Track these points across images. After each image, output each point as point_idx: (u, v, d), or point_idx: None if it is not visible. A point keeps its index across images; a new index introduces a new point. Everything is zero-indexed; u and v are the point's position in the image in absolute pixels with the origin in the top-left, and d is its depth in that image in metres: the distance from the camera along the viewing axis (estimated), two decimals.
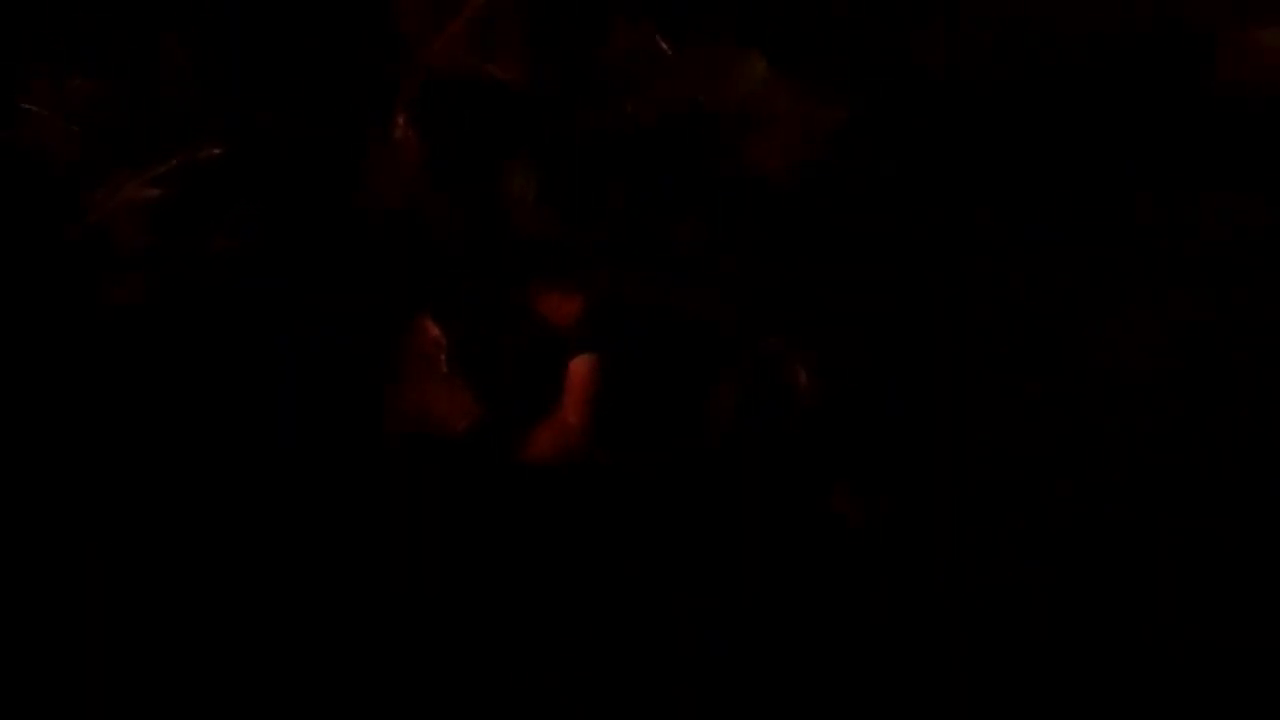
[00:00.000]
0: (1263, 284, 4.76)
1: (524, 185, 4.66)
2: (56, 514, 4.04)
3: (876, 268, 4.73)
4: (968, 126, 4.96)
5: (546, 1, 4.78)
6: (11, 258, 4.40)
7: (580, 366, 4.10)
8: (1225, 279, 4.78)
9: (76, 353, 4.28)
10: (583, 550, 4.09)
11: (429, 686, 3.87)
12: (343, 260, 4.53)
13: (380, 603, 3.94)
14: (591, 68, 4.78)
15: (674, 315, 4.25)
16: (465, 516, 4.12)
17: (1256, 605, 3.93)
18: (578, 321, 4.21)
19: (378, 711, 3.81)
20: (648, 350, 4.13)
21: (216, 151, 4.54)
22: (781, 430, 4.17)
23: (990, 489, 4.29)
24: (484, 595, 4.01)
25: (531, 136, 4.71)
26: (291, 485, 4.09)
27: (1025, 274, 4.78)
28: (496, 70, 4.72)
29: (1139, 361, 4.59)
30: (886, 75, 4.93)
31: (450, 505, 4.13)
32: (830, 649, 3.94)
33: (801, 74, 4.79)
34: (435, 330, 4.28)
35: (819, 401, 4.22)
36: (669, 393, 4.12)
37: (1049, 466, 4.35)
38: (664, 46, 4.82)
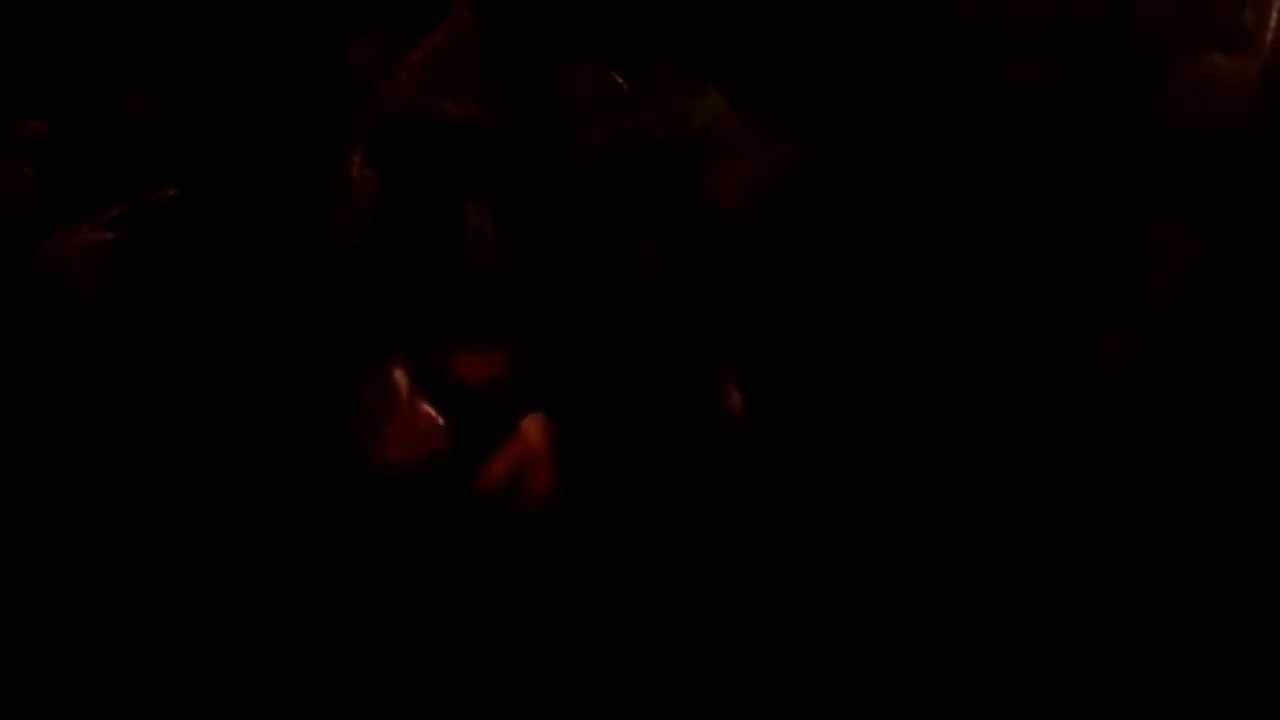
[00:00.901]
0: (1209, 305, 4.80)
1: (481, 220, 4.65)
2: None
3: (831, 296, 4.76)
4: (921, 157, 5.00)
5: (502, 37, 4.78)
6: None
7: (532, 428, 4.08)
8: (1172, 300, 4.82)
9: (29, 399, 4.24)
10: (534, 585, 4.07)
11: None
12: (300, 300, 4.51)
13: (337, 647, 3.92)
14: (547, 103, 4.79)
15: (610, 351, 4.24)
16: (425, 554, 4.09)
17: (1210, 631, 3.95)
18: (503, 380, 4.18)
19: None
20: (585, 394, 4.11)
21: (172, 193, 4.51)
22: (719, 454, 4.17)
23: (937, 510, 4.30)
24: (446, 630, 3.99)
25: (488, 172, 4.71)
26: (247, 527, 4.05)
27: (976, 299, 4.81)
28: (452, 107, 4.72)
29: (1086, 380, 4.62)
30: (841, 108, 4.97)
31: (409, 543, 4.10)
32: (782, 670, 3.94)
33: (757, 107, 4.82)
34: (399, 372, 4.26)
35: (756, 425, 4.23)
36: (609, 431, 4.10)
37: (996, 486, 4.37)
38: (619, 81, 4.83)
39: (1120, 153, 5.18)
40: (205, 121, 4.67)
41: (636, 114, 4.79)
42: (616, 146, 4.75)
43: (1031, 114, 5.20)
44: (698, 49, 4.84)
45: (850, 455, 4.33)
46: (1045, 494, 4.30)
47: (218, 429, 4.19)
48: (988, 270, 4.89)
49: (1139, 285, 4.87)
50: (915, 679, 3.84)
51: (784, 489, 4.18)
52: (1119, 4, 5.38)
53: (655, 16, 4.92)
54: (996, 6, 5.27)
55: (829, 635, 3.95)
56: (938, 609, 4.02)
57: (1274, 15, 5.29)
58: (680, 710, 3.82)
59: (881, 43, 5.13)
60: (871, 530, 4.17)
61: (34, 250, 4.42)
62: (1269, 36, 5.29)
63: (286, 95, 4.70)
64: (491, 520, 4.03)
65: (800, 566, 4.07)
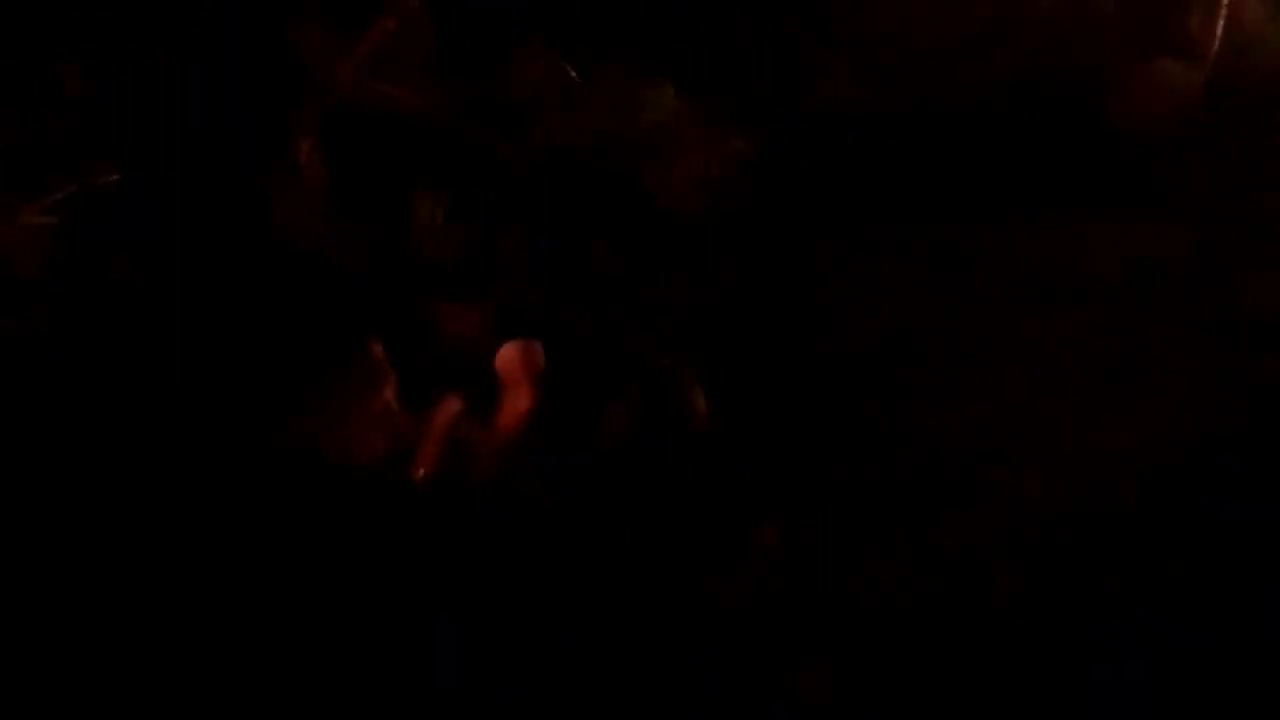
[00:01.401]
0: (1153, 311, 4.84)
1: (431, 212, 4.62)
2: None
3: (781, 295, 4.76)
4: (870, 158, 5.00)
5: (452, 28, 4.74)
6: None
7: (512, 353, 4.10)
8: (1116, 305, 4.85)
9: None
10: (486, 576, 4.04)
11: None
12: (246, 287, 4.46)
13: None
14: (499, 94, 4.76)
15: (572, 330, 4.26)
16: (389, 543, 4.04)
17: (1169, 634, 3.98)
18: (484, 331, 4.21)
19: None
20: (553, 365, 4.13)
21: (114, 177, 4.44)
22: (678, 451, 4.16)
23: (886, 514, 4.31)
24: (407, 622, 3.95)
25: (438, 163, 4.67)
26: (201, 523, 4.00)
27: (920, 301, 4.82)
28: (402, 96, 4.68)
29: (1033, 382, 4.64)
30: (794, 106, 4.97)
31: (373, 532, 4.06)
32: (738, 674, 3.94)
33: (710, 103, 4.80)
34: (379, 358, 4.21)
35: (716, 424, 4.22)
36: (566, 411, 4.11)
37: (944, 490, 4.38)
38: (572, 74, 4.81)
39: (1067, 159, 5.20)
40: (150, 106, 4.60)
41: (589, 107, 4.76)
42: (568, 140, 4.72)
43: (981, 118, 5.21)
44: (651, 43, 4.82)
45: (804, 457, 4.34)
46: (991, 498, 4.33)
47: (164, 417, 4.14)
48: (932, 273, 4.90)
49: (1081, 291, 4.91)
50: (868, 683, 3.86)
51: (742, 489, 4.18)
52: (1067, 11, 5.40)
53: (609, 9, 4.90)
54: (947, 10, 5.28)
55: (784, 638, 3.95)
56: (893, 614, 4.05)
57: (1220, 23, 5.33)
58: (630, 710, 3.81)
59: (834, 43, 5.12)
60: (831, 534, 4.18)
61: None
62: (1215, 44, 5.32)
63: (233, 80, 4.63)
64: (451, 509, 4.01)
65: (757, 566, 4.07)
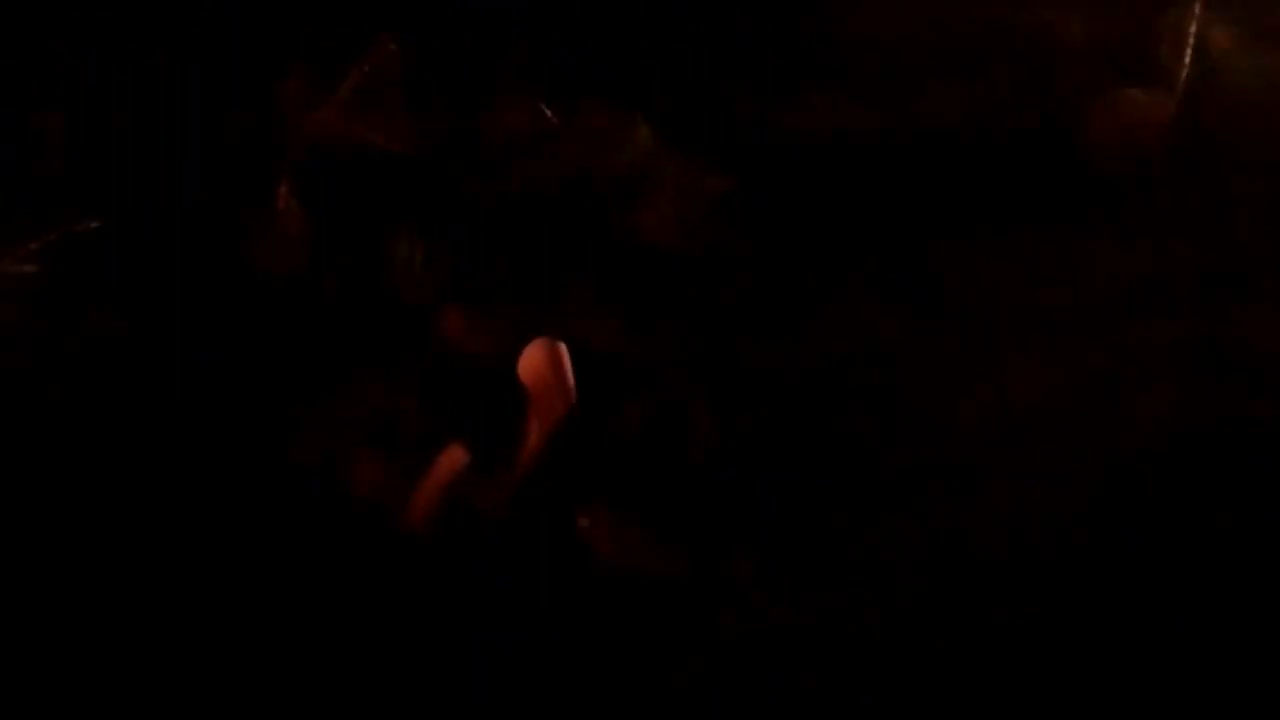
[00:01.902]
0: (1126, 338, 4.87)
1: (410, 253, 4.63)
2: None
3: (760, 331, 4.77)
4: (847, 190, 5.03)
5: (430, 70, 4.76)
6: None
7: (537, 355, 3.99)
8: (1090, 333, 4.89)
9: None
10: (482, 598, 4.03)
11: None
12: (227, 332, 4.46)
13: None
14: (477, 135, 4.77)
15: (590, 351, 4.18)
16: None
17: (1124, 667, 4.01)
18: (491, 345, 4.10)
19: None
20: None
21: (94, 225, 4.44)
22: (684, 468, 4.15)
23: (873, 538, 4.33)
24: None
25: (416, 205, 4.68)
26: (186, 571, 4.00)
27: (900, 331, 4.84)
28: (379, 139, 4.69)
29: (1014, 406, 4.67)
30: (770, 142, 4.99)
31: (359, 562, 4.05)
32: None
33: (687, 142, 4.82)
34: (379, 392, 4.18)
35: (719, 445, 4.23)
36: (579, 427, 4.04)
37: (929, 511, 4.41)
38: (549, 114, 4.82)
39: (1038, 189, 5.24)
40: (128, 153, 4.60)
41: (565, 147, 4.78)
42: (546, 180, 4.74)
43: (952, 148, 5.24)
44: (627, 83, 4.84)
45: (789, 481, 4.36)
46: (974, 523, 4.36)
47: (148, 463, 4.14)
48: (910, 302, 4.93)
49: (1057, 317, 4.93)
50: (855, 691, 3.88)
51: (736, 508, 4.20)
52: (1036, 41, 5.44)
53: (585, 49, 4.92)
54: (917, 43, 5.32)
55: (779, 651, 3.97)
56: (877, 628, 4.06)
57: (1188, 52, 5.37)
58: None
59: (807, 77, 5.15)
60: (810, 560, 4.20)
61: None
62: (1184, 73, 5.37)
63: (211, 126, 4.64)
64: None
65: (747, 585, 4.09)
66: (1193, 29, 5.41)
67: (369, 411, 4.22)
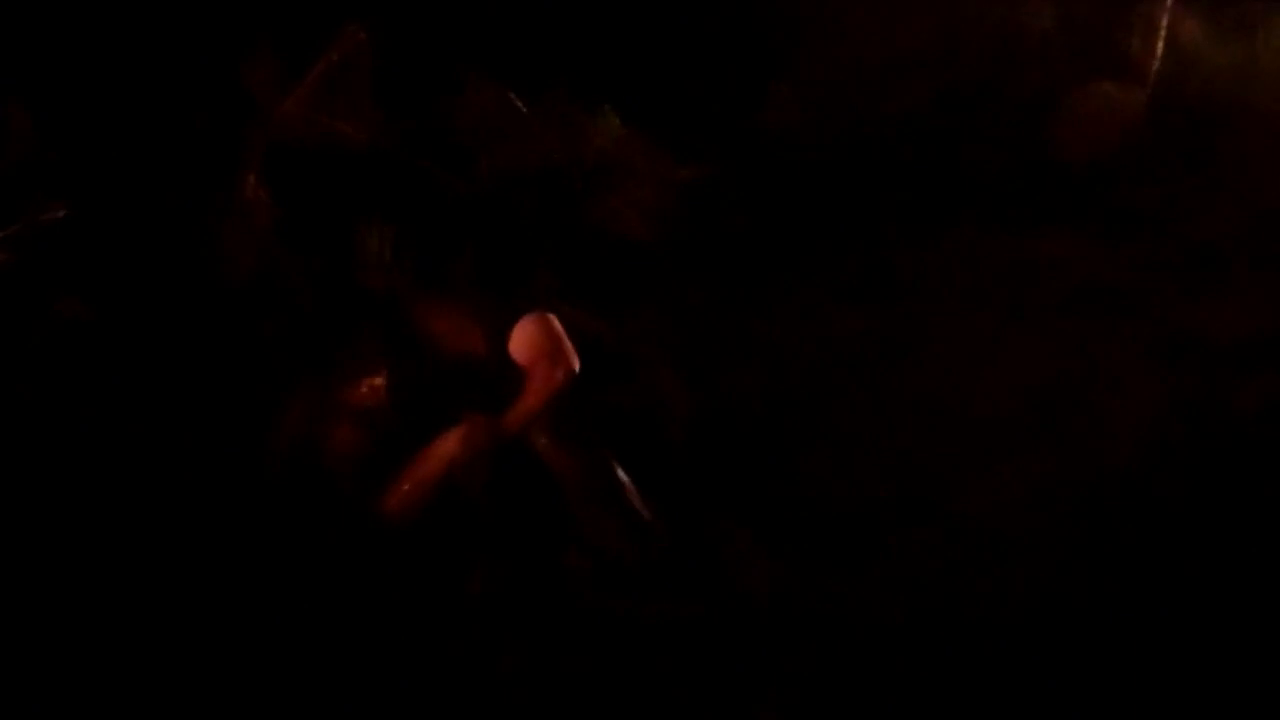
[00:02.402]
0: (1097, 328, 4.88)
1: (378, 244, 4.62)
2: None
3: (727, 321, 4.78)
4: (817, 180, 5.04)
5: (398, 59, 4.75)
6: None
7: (530, 329, 3.91)
8: (1062, 324, 4.89)
9: None
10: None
11: None
12: (194, 322, 4.45)
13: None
14: (445, 125, 4.77)
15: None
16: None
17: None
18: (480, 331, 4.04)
19: None
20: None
21: (61, 214, 4.43)
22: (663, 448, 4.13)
23: (838, 529, 4.33)
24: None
25: (385, 195, 4.67)
26: (163, 562, 3.98)
27: (864, 323, 4.85)
28: (347, 128, 4.68)
29: (982, 400, 4.67)
30: (738, 131, 5.00)
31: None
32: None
33: (655, 131, 4.83)
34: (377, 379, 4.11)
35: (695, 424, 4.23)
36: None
37: (898, 503, 4.40)
38: (518, 103, 4.82)
39: (1011, 180, 5.25)
40: (95, 142, 4.59)
41: (534, 137, 4.78)
42: (515, 169, 4.73)
43: (925, 140, 5.25)
44: (596, 72, 4.84)
45: (757, 469, 4.36)
46: (950, 517, 4.36)
47: (118, 450, 4.13)
48: (875, 295, 4.94)
49: (1023, 311, 4.94)
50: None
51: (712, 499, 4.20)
52: (1010, 34, 5.45)
53: (553, 38, 4.93)
54: (890, 35, 5.33)
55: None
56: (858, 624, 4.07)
57: (1160, 45, 5.39)
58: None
59: (778, 68, 5.16)
60: (792, 546, 4.20)
61: None
62: (1155, 65, 5.38)
63: (178, 115, 4.63)
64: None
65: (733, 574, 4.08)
66: (1164, 21, 5.43)
67: (345, 397, 4.21)
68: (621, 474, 4.01)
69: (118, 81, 4.67)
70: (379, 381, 4.17)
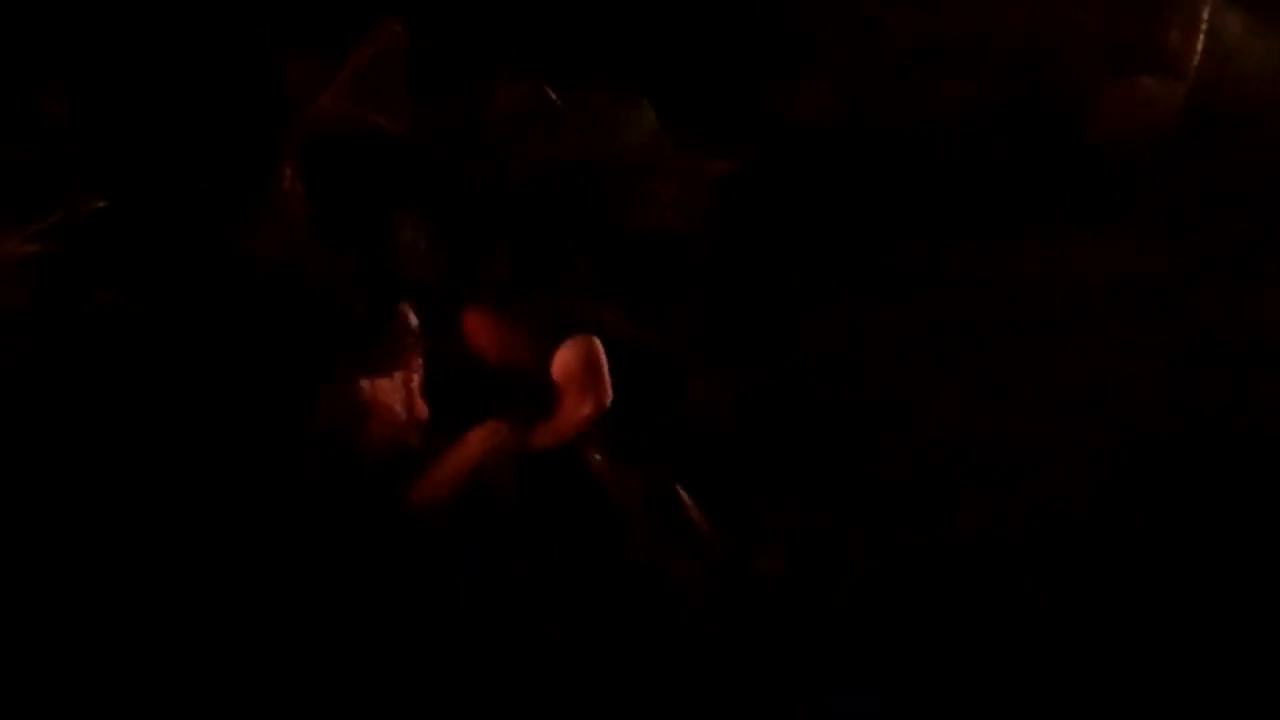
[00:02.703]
0: (1133, 324, 4.85)
1: (413, 236, 4.63)
2: None
3: (758, 316, 4.77)
4: (850, 176, 5.03)
5: (434, 53, 4.76)
6: None
7: (574, 353, 3.87)
8: (1097, 319, 4.87)
9: None
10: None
11: None
12: (230, 314, 4.47)
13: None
14: (480, 119, 4.78)
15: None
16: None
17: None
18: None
19: None
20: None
21: (100, 205, 4.46)
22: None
23: (862, 523, 4.32)
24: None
25: (420, 187, 4.69)
26: (194, 553, 4.00)
27: (899, 321, 4.84)
28: (383, 121, 4.70)
29: (1019, 394, 4.66)
30: (773, 127, 4.99)
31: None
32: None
33: (690, 125, 4.82)
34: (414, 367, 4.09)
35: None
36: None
37: (924, 499, 4.40)
38: (553, 97, 4.83)
39: (1049, 174, 5.23)
40: (134, 135, 4.62)
41: (569, 131, 4.78)
42: (548, 163, 4.74)
43: (961, 135, 5.24)
44: (631, 66, 4.84)
45: (776, 466, 4.36)
46: (979, 514, 4.34)
47: (151, 442, 4.16)
48: (908, 290, 4.93)
49: (1061, 308, 4.93)
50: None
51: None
52: (1048, 28, 5.42)
53: (589, 32, 4.93)
54: (927, 29, 5.31)
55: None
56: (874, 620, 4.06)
57: (1200, 39, 5.35)
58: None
59: (813, 63, 5.15)
60: (821, 541, 4.19)
61: None
62: (1195, 60, 5.35)
63: (216, 107, 4.66)
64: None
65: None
66: (1205, 16, 5.39)
67: (377, 391, 4.21)
68: (680, 492, 4.00)
69: (156, 74, 4.70)
70: (412, 377, 4.18)
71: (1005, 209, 5.14)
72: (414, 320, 4.06)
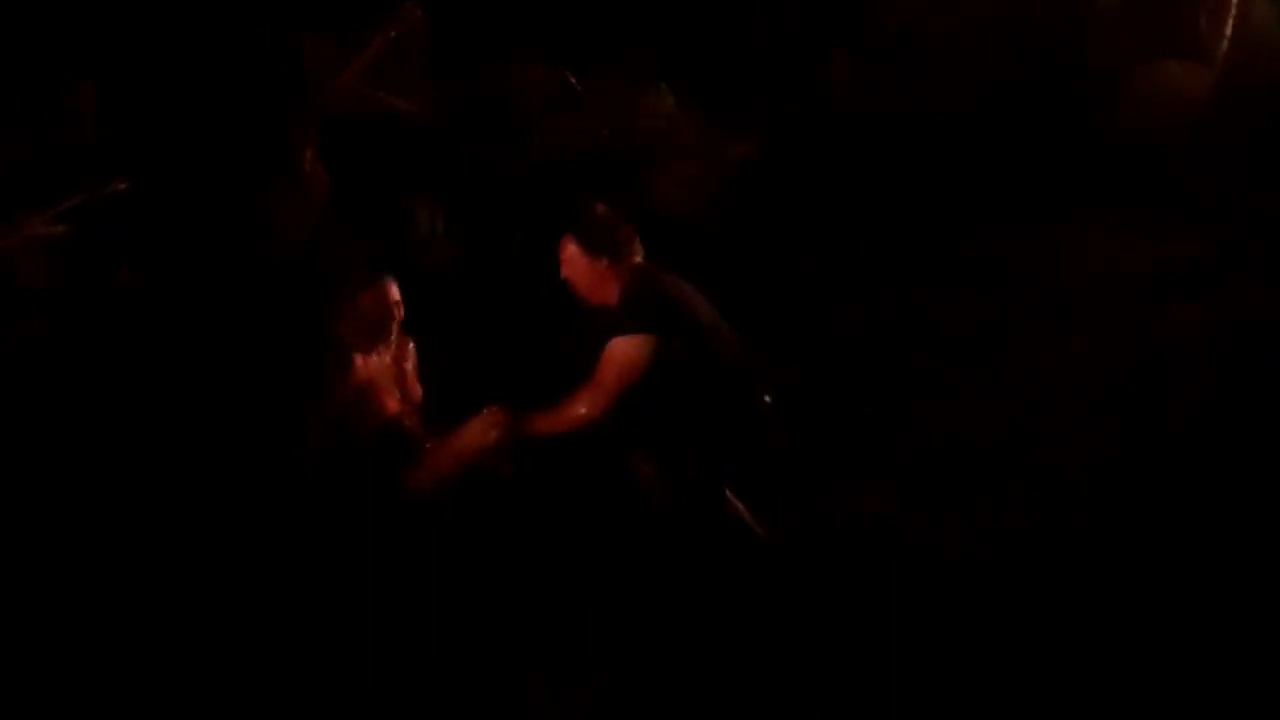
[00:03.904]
0: (1163, 312, 4.82)
1: (430, 218, 4.65)
2: None
3: (773, 299, 4.76)
4: (872, 159, 5.01)
5: (454, 37, 4.78)
6: None
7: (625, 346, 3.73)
8: (1127, 307, 4.84)
9: None
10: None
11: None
12: (248, 293, 4.50)
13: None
14: (499, 103, 4.79)
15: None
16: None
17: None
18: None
19: None
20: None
21: (121, 188, 4.50)
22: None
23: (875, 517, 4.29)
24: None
25: (439, 170, 4.71)
26: (205, 523, 4.02)
27: (919, 309, 4.81)
28: (403, 104, 4.72)
29: (1036, 378, 4.62)
30: (791, 111, 4.98)
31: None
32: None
33: (709, 110, 4.82)
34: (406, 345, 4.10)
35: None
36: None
37: (960, 491, 4.36)
38: (572, 81, 4.84)
39: (1075, 161, 5.19)
40: (154, 118, 4.66)
41: (588, 114, 4.79)
42: (567, 147, 4.75)
43: (986, 121, 5.21)
44: (651, 51, 4.85)
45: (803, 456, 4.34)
46: (1006, 498, 4.31)
47: (168, 421, 4.18)
48: (927, 274, 4.90)
49: (1082, 297, 4.89)
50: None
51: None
52: (1075, 13, 5.39)
53: (608, 16, 4.93)
54: (951, 14, 5.29)
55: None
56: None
57: (1229, 24, 5.30)
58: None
59: (835, 48, 5.14)
60: (836, 531, 4.16)
61: None
62: (1224, 46, 5.30)
63: (237, 92, 4.69)
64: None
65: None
66: (1234, 1, 5.34)
67: (388, 371, 4.22)
68: (735, 502, 3.99)
69: (179, 59, 4.74)
70: (405, 358, 4.20)
71: (1030, 196, 5.10)
72: (395, 293, 4.04)
